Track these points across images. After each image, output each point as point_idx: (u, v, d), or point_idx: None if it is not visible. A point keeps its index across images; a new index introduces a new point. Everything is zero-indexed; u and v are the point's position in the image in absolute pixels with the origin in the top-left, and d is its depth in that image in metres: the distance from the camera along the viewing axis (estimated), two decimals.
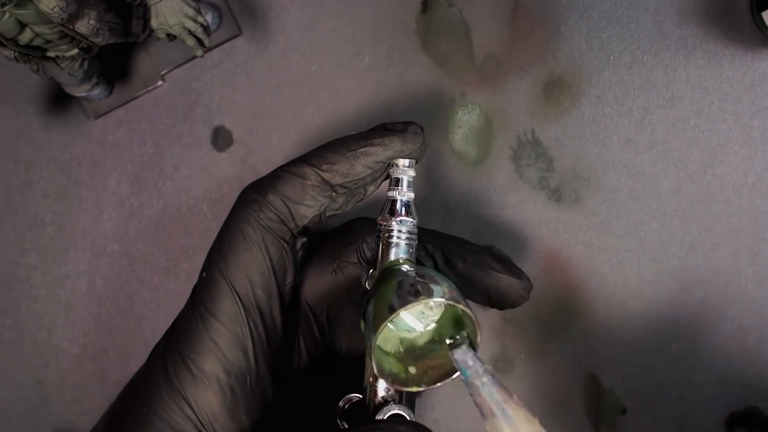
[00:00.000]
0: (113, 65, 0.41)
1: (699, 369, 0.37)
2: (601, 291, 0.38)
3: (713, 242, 0.37)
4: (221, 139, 0.41)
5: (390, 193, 0.25)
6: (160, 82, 0.41)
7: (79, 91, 0.38)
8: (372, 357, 0.21)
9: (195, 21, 0.33)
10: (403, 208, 0.24)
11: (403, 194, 0.25)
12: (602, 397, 0.38)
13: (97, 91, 0.40)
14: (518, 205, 0.38)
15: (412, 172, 0.25)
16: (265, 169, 0.40)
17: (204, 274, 0.24)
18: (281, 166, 0.24)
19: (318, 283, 0.27)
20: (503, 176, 0.38)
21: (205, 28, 0.34)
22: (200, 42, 0.35)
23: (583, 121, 0.38)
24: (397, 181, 0.25)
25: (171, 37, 0.34)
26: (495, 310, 0.38)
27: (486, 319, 0.38)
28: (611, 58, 0.37)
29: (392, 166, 0.25)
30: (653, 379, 0.37)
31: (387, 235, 0.24)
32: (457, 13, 0.39)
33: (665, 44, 0.37)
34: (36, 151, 0.43)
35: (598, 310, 0.38)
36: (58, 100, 0.42)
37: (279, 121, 0.40)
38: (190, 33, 0.34)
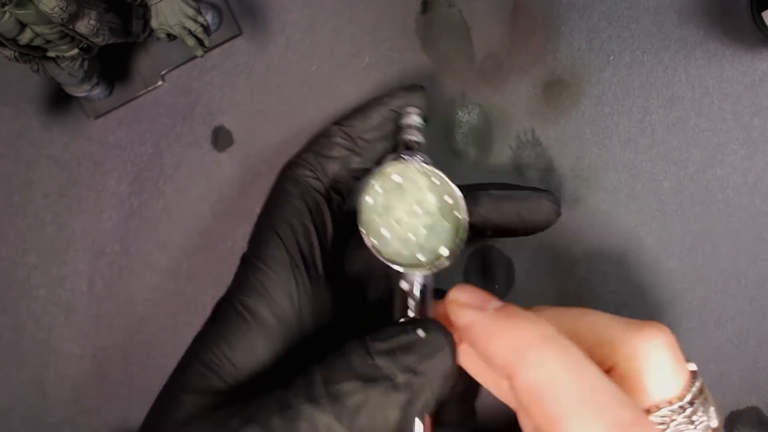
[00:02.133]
0: (113, 65, 0.41)
1: (699, 369, 0.37)
2: (601, 291, 0.38)
3: (713, 242, 0.37)
4: (221, 139, 0.41)
5: (401, 137, 0.28)
6: (160, 82, 0.41)
7: (80, 91, 0.38)
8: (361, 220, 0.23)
9: (195, 21, 0.33)
10: (412, 145, 0.28)
11: (411, 134, 0.28)
12: None
13: (97, 91, 0.40)
14: None
15: (417, 118, 0.29)
16: (265, 169, 0.41)
17: (253, 229, 0.27)
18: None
19: (359, 256, 0.28)
20: (503, 176, 0.38)
21: (206, 28, 0.34)
22: (200, 42, 0.35)
23: (583, 121, 0.38)
24: (407, 126, 0.29)
25: (171, 37, 0.34)
26: None
27: None
28: (611, 58, 0.37)
29: (402, 116, 0.29)
30: None
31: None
32: (457, 13, 0.39)
33: (665, 44, 0.37)
34: (36, 151, 0.43)
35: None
36: (58, 100, 0.42)
37: (279, 121, 0.40)
38: (191, 33, 0.34)
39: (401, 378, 0.20)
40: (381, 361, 0.21)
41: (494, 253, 0.38)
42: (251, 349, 0.23)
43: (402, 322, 0.23)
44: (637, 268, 0.37)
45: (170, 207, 0.42)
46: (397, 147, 0.29)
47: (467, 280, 0.39)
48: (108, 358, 0.42)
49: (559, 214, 0.29)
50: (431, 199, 0.24)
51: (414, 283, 0.24)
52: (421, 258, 0.24)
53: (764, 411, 0.36)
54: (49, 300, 0.43)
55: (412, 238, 0.24)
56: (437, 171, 0.24)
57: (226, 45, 0.41)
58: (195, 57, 0.39)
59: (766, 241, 0.36)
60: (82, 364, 0.42)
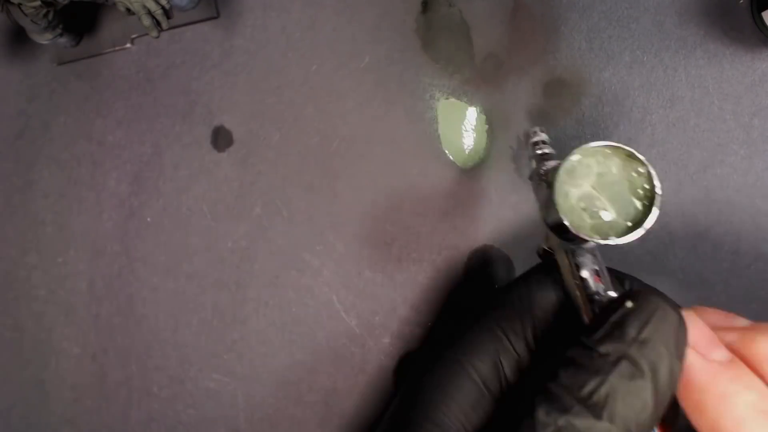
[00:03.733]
0: (84, 19, 0.42)
1: None
2: None
3: (713, 242, 0.37)
4: (221, 139, 0.41)
5: (534, 153, 0.30)
6: (128, 45, 0.42)
7: (42, 39, 0.39)
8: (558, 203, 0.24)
9: (156, 2, 0.34)
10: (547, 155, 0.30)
11: (544, 147, 0.30)
12: None
13: (63, 41, 0.41)
14: (518, 205, 0.38)
15: (544, 134, 0.31)
16: (265, 169, 0.41)
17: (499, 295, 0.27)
18: None
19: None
20: (503, 176, 0.38)
21: (166, 11, 0.35)
22: (158, 23, 0.35)
23: (583, 121, 0.38)
24: (535, 143, 0.31)
25: (130, 12, 0.35)
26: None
27: None
28: (611, 58, 0.37)
29: (531, 136, 0.31)
30: None
31: (545, 174, 0.28)
32: (457, 13, 0.39)
33: (665, 44, 0.37)
34: (36, 151, 0.43)
35: None
36: (22, 44, 0.44)
37: (279, 121, 0.40)
38: (149, 12, 0.34)
39: (633, 352, 0.20)
40: (604, 348, 0.20)
41: (494, 253, 0.38)
42: (478, 415, 0.23)
43: (604, 306, 0.22)
44: (638, 268, 0.37)
45: (170, 207, 0.42)
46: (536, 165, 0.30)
47: (467, 278, 0.39)
48: (108, 358, 0.42)
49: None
50: (616, 173, 0.25)
51: (595, 263, 0.25)
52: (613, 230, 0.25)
53: None
54: (49, 300, 0.43)
55: (601, 205, 0.25)
56: (623, 147, 0.24)
57: (226, 45, 0.41)
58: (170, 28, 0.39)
59: (766, 241, 0.36)
60: (82, 364, 0.42)
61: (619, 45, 0.37)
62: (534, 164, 0.30)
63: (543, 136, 0.31)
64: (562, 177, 0.24)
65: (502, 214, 0.38)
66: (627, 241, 0.23)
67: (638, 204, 0.24)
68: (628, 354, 0.19)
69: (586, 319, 0.23)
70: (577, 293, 0.24)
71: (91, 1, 0.37)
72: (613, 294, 0.23)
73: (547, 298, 0.25)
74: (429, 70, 0.39)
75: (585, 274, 0.24)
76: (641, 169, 0.24)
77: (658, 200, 0.23)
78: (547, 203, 0.24)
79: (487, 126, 0.39)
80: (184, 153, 0.41)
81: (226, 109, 0.41)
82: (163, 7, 0.34)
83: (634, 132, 0.37)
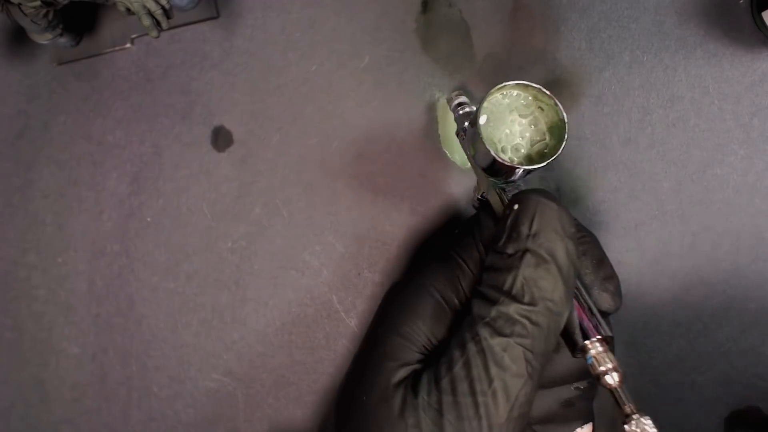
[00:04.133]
0: (84, 19, 0.42)
1: (699, 369, 0.37)
2: None
3: (713, 242, 0.37)
4: (221, 139, 0.41)
5: (457, 114, 0.35)
6: (128, 45, 0.42)
7: (42, 39, 0.39)
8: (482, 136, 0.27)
9: (156, 2, 0.34)
10: (469, 113, 0.34)
11: (465, 108, 0.35)
12: (601, 395, 0.38)
13: (63, 41, 0.40)
14: None
15: (464, 98, 0.35)
16: (265, 169, 0.41)
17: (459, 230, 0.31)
18: None
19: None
20: None
21: (166, 11, 0.35)
22: (158, 23, 0.35)
23: (583, 121, 0.38)
24: (457, 105, 0.35)
25: (130, 12, 0.35)
26: None
27: None
28: (611, 58, 0.37)
29: (449, 100, 0.35)
30: (653, 379, 0.37)
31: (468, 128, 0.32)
32: (457, 13, 0.39)
33: (665, 44, 0.37)
34: (36, 151, 0.43)
35: None
36: (21, 44, 0.43)
37: (279, 121, 0.40)
38: (149, 13, 0.34)
39: (531, 245, 0.24)
40: (510, 248, 0.24)
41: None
42: (440, 327, 0.26)
43: (503, 212, 0.26)
44: (637, 268, 0.37)
45: (170, 207, 0.42)
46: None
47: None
48: (108, 358, 0.42)
49: (619, 307, 0.30)
50: (526, 110, 0.29)
51: (518, 183, 0.29)
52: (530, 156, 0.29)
53: (764, 411, 0.36)
54: (49, 300, 0.43)
55: (520, 141, 0.29)
56: (531, 84, 0.28)
57: (226, 45, 0.41)
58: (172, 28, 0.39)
59: (766, 241, 0.36)
60: (82, 364, 0.42)
61: (619, 45, 0.37)
62: (459, 122, 0.34)
63: (463, 98, 0.35)
64: (483, 122, 0.28)
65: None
66: (545, 164, 0.26)
67: (550, 140, 0.28)
68: (528, 248, 0.24)
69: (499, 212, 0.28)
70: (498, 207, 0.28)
71: (91, 1, 0.37)
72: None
73: (490, 227, 0.29)
74: (429, 70, 0.39)
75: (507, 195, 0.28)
76: (549, 102, 0.28)
77: (566, 129, 0.27)
78: (474, 141, 0.28)
79: None
80: (184, 153, 0.41)
81: (226, 109, 0.41)
82: (163, 7, 0.34)
83: (634, 132, 0.37)
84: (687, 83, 0.37)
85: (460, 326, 0.24)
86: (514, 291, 0.23)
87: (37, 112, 0.43)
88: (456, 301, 0.27)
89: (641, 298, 0.37)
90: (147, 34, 0.40)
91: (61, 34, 0.39)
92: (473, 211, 0.34)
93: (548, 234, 0.24)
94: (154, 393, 0.41)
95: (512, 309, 0.23)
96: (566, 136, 0.27)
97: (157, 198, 0.42)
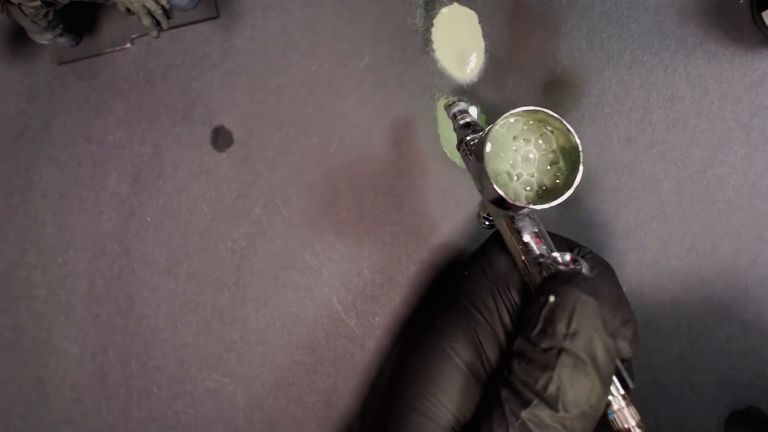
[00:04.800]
0: (84, 20, 0.42)
1: (699, 369, 0.37)
2: None
3: (713, 242, 0.37)
4: (221, 139, 0.41)
5: (457, 124, 0.31)
6: (128, 45, 0.42)
7: (42, 39, 0.39)
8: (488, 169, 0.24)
9: (156, 2, 0.34)
10: (469, 124, 0.31)
11: (465, 118, 0.31)
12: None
13: (63, 41, 0.41)
14: None
15: (464, 105, 0.31)
16: (265, 169, 0.41)
17: (469, 275, 0.28)
18: None
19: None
20: None
21: (166, 11, 0.35)
22: (158, 23, 0.35)
23: (583, 121, 0.38)
24: (455, 114, 0.31)
25: (130, 12, 0.35)
26: None
27: None
28: (611, 58, 0.37)
29: (448, 107, 0.31)
30: (653, 379, 0.37)
31: (469, 145, 0.29)
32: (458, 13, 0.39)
33: (665, 44, 0.37)
34: (36, 151, 0.43)
35: None
36: (22, 44, 0.44)
37: (279, 121, 0.40)
38: (149, 13, 0.34)
39: (569, 345, 0.22)
40: (545, 343, 0.22)
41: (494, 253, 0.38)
42: (465, 397, 0.25)
43: (536, 295, 0.23)
44: (637, 268, 0.37)
45: (170, 207, 0.42)
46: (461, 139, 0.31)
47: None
48: (108, 358, 0.42)
49: (637, 353, 0.29)
50: (538, 139, 0.26)
51: (534, 226, 0.26)
52: (541, 193, 0.26)
53: (764, 411, 0.36)
54: (49, 300, 0.43)
55: (530, 169, 0.26)
56: (540, 110, 0.25)
57: (226, 45, 0.41)
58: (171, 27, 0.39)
59: (766, 241, 0.36)
60: (82, 364, 0.42)
61: (619, 45, 0.37)
62: (459, 134, 0.31)
63: (462, 106, 0.32)
64: (489, 151, 0.25)
65: None
66: (560, 202, 0.24)
67: (563, 165, 0.25)
68: (565, 348, 0.22)
69: (534, 281, 0.24)
70: (522, 258, 0.25)
71: (91, 1, 0.37)
72: (557, 255, 0.24)
73: (505, 264, 0.27)
74: (429, 70, 0.39)
75: (527, 238, 0.25)
76: (561, 129, 0.25)
77: (580, 157, 0.24)
78: (480, 176, 0.25)
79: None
80: (184, 153, 0.41)
81: (226, 109, 0.41)
82: (163, 7, 0.34)
83: (635, 132, 0.37)
84: (687, 83, 0.37)
85: (490, 419, 0.22)
86: (547, 394, 0.22)
87: (37, 112, 0.43)
88: (482, 373, 0.25)
89: (641, 298, 0.37)
90: (147, 34, 0.40)
91: (61, 34, 0.39)
92: (481, 224, 0.32)
93: (587, 333, 0.22)
94: (154, 393, 0.41)
95: (546, 414, 0.21)
96: (581, 166, 0.24)
97: (157, 198, 0.42)
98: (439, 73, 0.39)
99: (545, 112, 0.24)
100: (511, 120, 0.25)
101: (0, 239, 0.43)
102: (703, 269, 0.37)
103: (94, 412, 0.42)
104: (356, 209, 0.40)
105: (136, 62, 0.42)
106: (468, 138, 0.30)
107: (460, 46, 0.39)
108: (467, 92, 0.39)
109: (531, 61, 0.38)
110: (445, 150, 0.39)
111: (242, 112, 0.41)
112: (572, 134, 0.24)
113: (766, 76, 0.36)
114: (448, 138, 0.39)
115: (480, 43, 0.39)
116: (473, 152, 0.27)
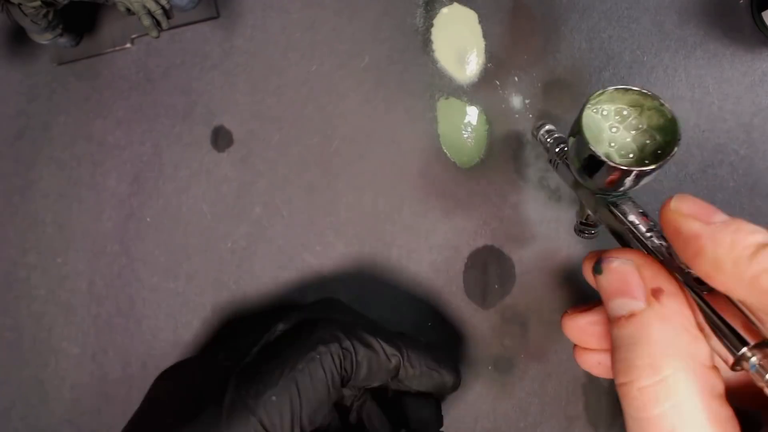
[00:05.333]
0: (84, 20, 0.42)
1: None
2: None
3: None
4: (221, 139, 0.41)
5: (548, 143, 0.33)
6: (128, 45, 0.42)
7: (42, 39, 0.39)
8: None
9: (156, 2, 0.34)
10: (561, 139, 0.32)
11: (554, 134, 0.34)
12: (602, 397, 0.38)
13: (63, 41, 0.41)
14: (518, 205, 0.38)
15: (549, 125, 0.34)
16: (265, 169, 0.41)
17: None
18: None
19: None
20: (503, 176, 0.38)
21: (166, 11, 0.35)
22: (158, 23, 0.35)
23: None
24: (545, 132, 0.34)
25: (130, 12, 0.35)
26: (493, 310, 0.38)
27: (485, 319, 0.38)
28: (611, 58, 0.37)
29: (537, 129, 0.34)
30: None
31: (563, 152, 0.31)
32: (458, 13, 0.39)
33: (665, 44, 0.37)
34: (36, 151, 0.43)
35: None
36: (22, 44, 0.44)
37: (279, 121, 0.40)
38: (149, 12, 0.34)
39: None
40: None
41: (494, 253, 0.38)
42: None
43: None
44: None
45: (170, 207, 0.42)
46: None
47: (467, 279, 0.39)
48: (108, 358, 0.42)
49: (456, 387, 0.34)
50: (630, 112, 0.27)
51: (637, 207, 0.26)
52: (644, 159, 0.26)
53: (765, 410, 0.36)
54: (49, 300, 0.43)
55: (629, 146, 0.27)
56: (630, 87, 0.26)
57: (226, 45, 0.41)
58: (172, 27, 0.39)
59: None
60: (82, 364, 0.42)
61: (619, 45, 0.37)
62: (552, 151, 0.32)
63: (549, 126, 0.34)
64: (587, 125, 0.25)
65: (502, 214, 0.38)
66: (661, 164, 0.24)
67: (657, 135, 0.26)
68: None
69: (657, 255, 0.24)
70: (638, 239, 0.25)
71: (91, 1, 0.37)
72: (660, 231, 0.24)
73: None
74: (429, 70, 0.39)
75: (632, 218, 0.25)
76: (652, 103, 0.25)
77: (677, 123, 0.24)
78: (580, 155, 0.25)
79: (487, 126, 0.39)
80: (184, 153, 0.41)
81: (226, 109, 0.41)
82: (163, 7, 0.34)
83: None
84: (687, 83, 0.37)
85: None
86: None
87: (37, 112, 0.43)
88: None
89: None
90: (147, 34, 0.40)
91: (61, 34, 0.39)
92: (580, 234, 0.32)
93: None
94: None
95: None
96: (679, 133, 0.24)
97: (157, 198, 0.42)
98: (439, 73, 0.39)
99: (636, 90, 0.25)
100: (602, 100, 0.26)
101: (0, 239, 0.43)
102: None
103: (94, 412, 0.42)
104: (356, 209, 0.40)
105: (136, 62, 0.42)
106: (558, 150, 0.31)
107: (460, 46, 0.39)
108: (467, 92, 0.39)
109: (531, 61, 0.38)
110: (446, 150, 0.39)
111: (242, 112, 0.41)
112: (666, 108, 0.24)
113: (766, 76, 0.36)
114: (448, 138, 0.39)
115: (480, 43, 0.39)
116: (570, 133, 0.27)
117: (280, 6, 0.40)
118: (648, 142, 0.26)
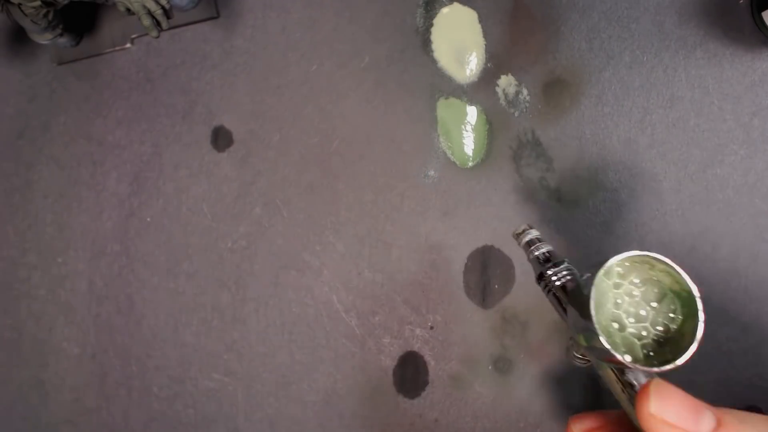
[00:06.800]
0: (84, 19, 0.42)
1: (699, 369, 0.37)
2: None
3: (713, 242, 0.37)
4: (221, 139, 0.41)
5: (531, 255, 0.28)
6: (128, 45, 0.42)
7: (42, 39, 0.40)
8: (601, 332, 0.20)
9: (156, 2, 0.34)
10: (548, 257, 0.27)
11: (542, 247, 0.27)
12: (602, 397, 0.38)
13: (63, 41, 0.41)
14: (518, 205, 0.38)
15: (536, 232, 0.28)
16: (265, 169, 0.41)
17: None
18: None
19: None
20: (503, 176, 0.38)
21: (166, 11, 0.35)
22: (158, 23, 0.35)
23: (583, 121, 0.38)
24: (529, 243, 0.28)
25: (130, 12, 0.35)
26: (494, 309, 0.38)
27: (486, 319, 0.38)
28: (611, 58, 0.37)
29: (518, 235, 0.29)
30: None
31: (552, 284, 0.26)
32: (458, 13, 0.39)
33: (665, 44, 0.37)
34: (36, 151, 0.43)
35: None
36: (22, 44, 0.44)
37: (279, 121, 0.40)
38: (149, 13, 0.34)
39: None
40: None
41: (494, 253, 0.38)
42: None
43: None
44: None
45: (170, 207, 0.42)
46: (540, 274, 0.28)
47: (467, 280, 0.39)
48: (108, 358, 0.42)
49: None
50: (647, 287, 0.23)
51: (648, 375, 0.23)
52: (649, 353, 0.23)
53: (764, 411, 0.36)
54: (49, 300, 0.43)
55: (642, 328, 0.23)
56: (647, 254, 0.21)
57: (226, 45, 0.41)
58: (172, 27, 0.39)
59: (766, 241, 0.36)
60: (82, 364, 0.42)
61: (619, 45, 0.37)
62: (537, 268, 0.27)
63: (534, 233, 0.28)
64: (597, 311, 0.21)
65: (502, 214, 0.38)
66: (685, 360, 0.20)
67: (678, 313, 0.22)
68: None
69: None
70: (632, 406, 0.22)
71: (91, 1, 0.37)
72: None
73: None
74: (429, 70, 0.39)
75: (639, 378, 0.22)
76: (670, 273, 0.21)
77: (699, 303, 0.20)
78: (586, 335, 0.22)
79: (487, 126, 0.39)
80: (184, 153, 0.41)
81: (226, 109, 0.41)
82: (163, 7, 0.34)
83: (635, 132, 0.37)
84: (687, 83, 0.37)
85: None
86: None
87: (37, 112, 0.43)
88: None
89: None
90: (147, 34, 0.40)
91: (61, 34, 0.39)
92: (571, 360, 0.29)
93: None
94: (154, 393, 0.41)
95: None
96: (700, 318, 0.20)
97: (157, 198, 0.42)
98: (439, 73, 0.39)
99: (653, 257, 0.20)
100: (616, 268, 0.22)
101: (0, 239, 0.43)
102: (703, 269, 0.37)
103: (94, 412, 0.42)
104: (356, 209, 0.40)
105: (136, 62, 0.42)
106: (550, 273, 0.26)
107: (460, 46, 0.39)
108: (467, 92, 0.39)
109: (531, 61, 0.38)
110: (446, 150, 0.39)
111: (242, 112, 0.41)
112: (684, 278, 0.20)
113: (766, 76, 0.36)
114: (449, 138, 0.39)
115: (480, 43, 0.39)
116: (570, 301, 0.23)
117: (280, 6, 0.40)
118: (661, 312, 0.22)
